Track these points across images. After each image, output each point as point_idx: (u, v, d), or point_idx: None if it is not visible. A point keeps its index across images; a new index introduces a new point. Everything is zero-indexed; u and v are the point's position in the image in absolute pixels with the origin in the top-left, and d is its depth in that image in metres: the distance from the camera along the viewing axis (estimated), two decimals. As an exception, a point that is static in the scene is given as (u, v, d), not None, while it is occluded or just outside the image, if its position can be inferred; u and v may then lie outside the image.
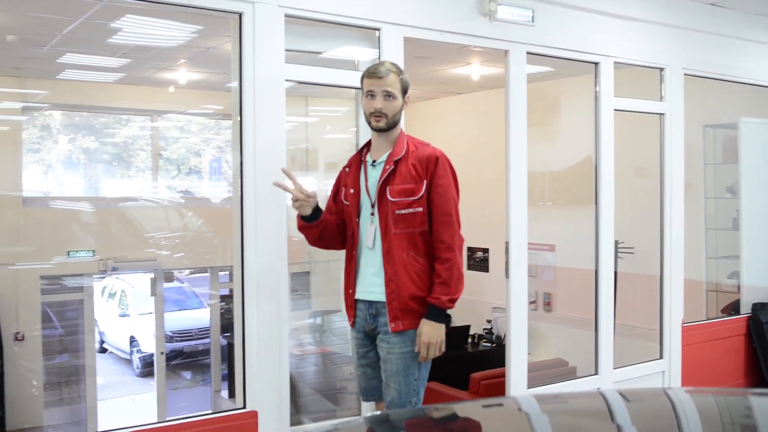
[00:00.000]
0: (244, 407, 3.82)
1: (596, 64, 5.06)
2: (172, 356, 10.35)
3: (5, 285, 6.98)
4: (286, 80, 3.95)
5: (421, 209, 3.20)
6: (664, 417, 2.02)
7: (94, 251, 7.66)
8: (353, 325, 3.37)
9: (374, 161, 3.33)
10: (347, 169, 3.43)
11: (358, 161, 3.41)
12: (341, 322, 6.33)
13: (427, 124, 9.27)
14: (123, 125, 9.95)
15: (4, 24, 5.47)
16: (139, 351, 11.83)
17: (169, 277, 8.49)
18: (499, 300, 7.65)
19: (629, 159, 5.93)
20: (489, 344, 7.83)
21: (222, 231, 7.87)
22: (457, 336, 7.92)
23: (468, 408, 2.32)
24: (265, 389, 3.84)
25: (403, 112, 3.34)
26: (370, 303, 3.28)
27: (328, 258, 6.10)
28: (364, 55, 4.32)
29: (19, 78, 7.32)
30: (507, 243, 4.70)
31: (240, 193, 3.83)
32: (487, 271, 8.55)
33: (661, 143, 5.51)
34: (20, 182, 7.48)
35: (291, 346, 6.91)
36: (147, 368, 11.16)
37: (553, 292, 7.74)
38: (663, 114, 5.47)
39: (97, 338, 12.56)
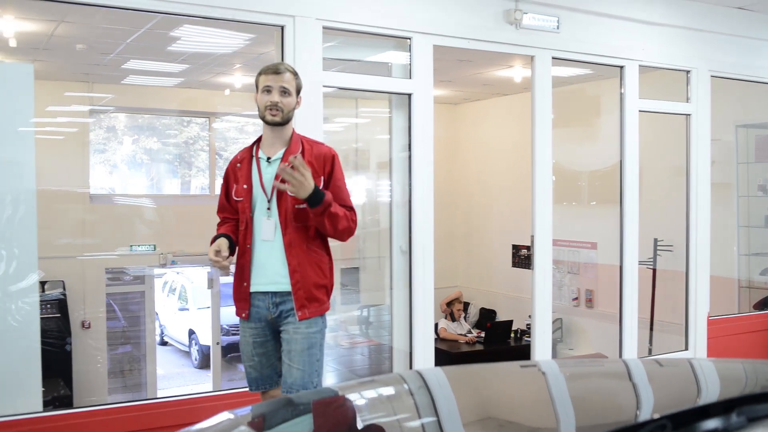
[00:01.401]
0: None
1: (621, 67, 5.41)
2: (228, 349, 10.87)
3: (73, 275, 7.56)
4: (324, 86, 4.44)
5: None
6: (684, 378, 2.23)
7: (154, 245, 8.22)
8: (247, 317, 3.43)
9: (269, 158, 3.42)
10: (238, 165, 3.51)
11: (249, 157, 3.49)
12: (387, 315, 6.77)
13: (473, 125, 9.67)
14: (184, 126, 10.57)
15: (74, 34, 6.07)
16: (197, 344, 12.43)
17: (225, 272, 9.05)
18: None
19: (669, 159, 6.24)
20: (531, 339, 8.16)
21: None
22: (501, 330, 8.31)
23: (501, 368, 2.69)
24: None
25: (295, 112, 3.46)
26: (274, 293, 3.37)
27: (378, 255, 6.57)
28: (398, 60, 4.77)
29: (87, 83, 7.93)
30: (532, 237, 5.09)
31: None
32: (531, 268, 8.88)
33: (687, 143, 5.82)
34: (88, 180, 8.10)
35: (339, 338, 7.41)
36: (205, 360, 11.75)
37: (594, 289, 8.04)
38: (689, 115, 5.78)
39: (159, 331, 13.29)
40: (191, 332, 12.75)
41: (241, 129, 10.92)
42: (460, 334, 8.32)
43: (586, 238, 7.82)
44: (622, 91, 5.45)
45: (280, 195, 3.35)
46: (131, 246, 8.05)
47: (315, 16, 4.35)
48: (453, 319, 8.48)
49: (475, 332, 8.49)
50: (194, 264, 9.29)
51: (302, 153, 3.39)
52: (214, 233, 3.52)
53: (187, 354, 13.00)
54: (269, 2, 4.27)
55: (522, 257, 8.99)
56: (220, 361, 9.15)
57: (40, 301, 6.65)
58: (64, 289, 7.39)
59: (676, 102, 5.82)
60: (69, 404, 6.65)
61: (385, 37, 4.69)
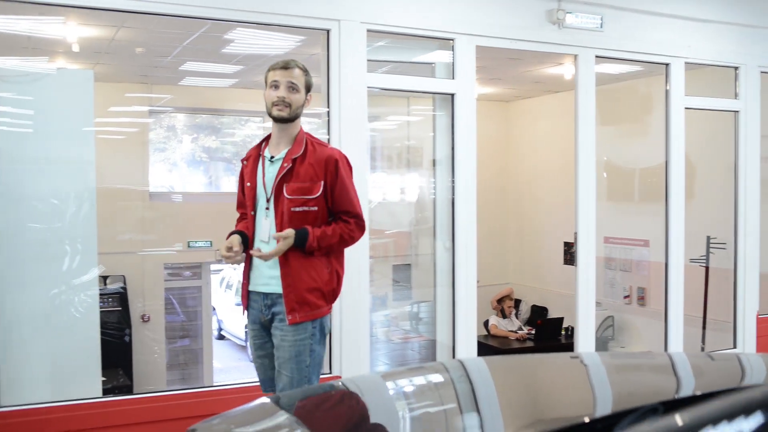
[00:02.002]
0: (330, 372, 4.53)
1: (666, 65, 5.46)
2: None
3: (133, 269, 7.88)
4: (368, 87, 4.63)
5: (316, 208, 3.31)
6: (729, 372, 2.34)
7: (211, 242, 8.51)
8: (247, 316, 3.48)
9: (272, 157, 3.39)
10: (245, 162, 3.51)
11: (256, 155, 3.46)
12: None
13: (525, 122, 9.74)
14: (242, 125, 10.88)
15: (133, 38, 6.38)
16: (253, 338, 12.73)
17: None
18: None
19: (724, 156, 6.25)
20: (574, 335, 8.22)
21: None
22: (551, 328, 8.38)
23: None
24: (348, 356, 4.55)
25: (304, 109, 3.40)
26: (266, 294, 3.36)
27: (431, 252, 6.73)
28: (442, 59, 4.93)
29: (147, 84, 8.26)
30: (575, 234, 5.20)
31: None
32: (575, 264, 8.91)
33: (735, 140, 5.83)
34: (147, 178, 8.44)
35: (390, 333, 7.60)
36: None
37: (647, 287, 8.04)
38: (737, 111, 5.79)
39: (216, 326, 13.65)
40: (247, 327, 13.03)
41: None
42: (511, 331, 8.42)
43: (639, 236, 7.84)
44: (668, 88, 5.51)
45: (279, 195, 3.32)
46: (189, 242, 8.33)
47: (359, 20, 4.54)
48: (504, 316, 8.58)
49: (525, 329, 8.58)
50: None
51: (305, 153, 3.33)
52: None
53: (244, 348, 13.34)
54: (315, 7, 4.48)
55: (574, 255, 9.01)
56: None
57: (102, 294, 7.02)
58: (125, 283, 7.71)
59: (724, 99, 5.84)
60: (129, 393, 6.96)
61: (429, 39, 4.85)
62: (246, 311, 3.47)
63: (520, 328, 8.55)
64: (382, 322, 7.57)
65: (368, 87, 4.63)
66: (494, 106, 9.83)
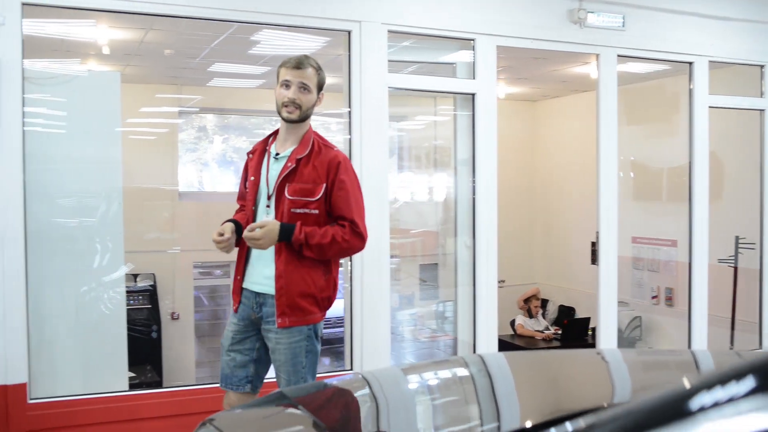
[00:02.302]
0: (351, 369, 4.63)
1: (690, 63, 5.47)
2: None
3: (163, 268, 8.02)
4: (389, 87, 4.72)
5: (316, 211, 3.25)
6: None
7: (240, 241, 8.63)
8: (236, 310, 3.40)
9: (277, 154, 3.34)
10: (250, 155, 3.46)
11: (262, 150, 3.42)
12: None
13: (552, 122, 9.76)
14: (273, 125, 11.02)
15: (162, 41, 6.53)
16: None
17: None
18: (620, 294, 8.03)
19: (753, 155, 6.23)
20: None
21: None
22: (578, 328, 8.39)
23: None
24: (368, 352, 4.65)
25: (315, 109, 3.37)
26: (258, 293, 3.32)
27: (458, 251, 6.80)
28: (463, 59, 5.00)
29: (176, 86, 8.42)
30: (597, 233, 5.24)
31: (348, 185, 4.65)
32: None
33: (761, 138, 5.82)
34: (176, 178, 8.60)
35: (417, 332, 7.68)
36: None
37: (675, 287, 8.02)
38: (763, 110, 5.78)
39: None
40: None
41: (328, 127, 11.30)
42: (537, 331, 8.46)
43: (667, 236, 7.83)
44: (691, 87, 5.52)
45: (280, 194, 3.27)
46: (218, 241, 8.44)
47: (380, 21, 4.63)
48: (530, 316, 8.61)
49: (552, 329, 8.61)
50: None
51: (309, 154, 3.28)
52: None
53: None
54: (337, 9, 4.58)
55: (596, 254, 9.02)
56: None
57: (132, 291, 7.18)
58: (154, 281, 7.87)
59: (748, 97, 5.83)
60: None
61: (449, 39, 4.93)
62: (236, 306, 3.39)
63: (547, 328, 8.57)
64: (409, 321, 7.65)
65: (389, 87, 4.71)
66: (521, 105, 9.87)
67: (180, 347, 8.08)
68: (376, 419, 2.42)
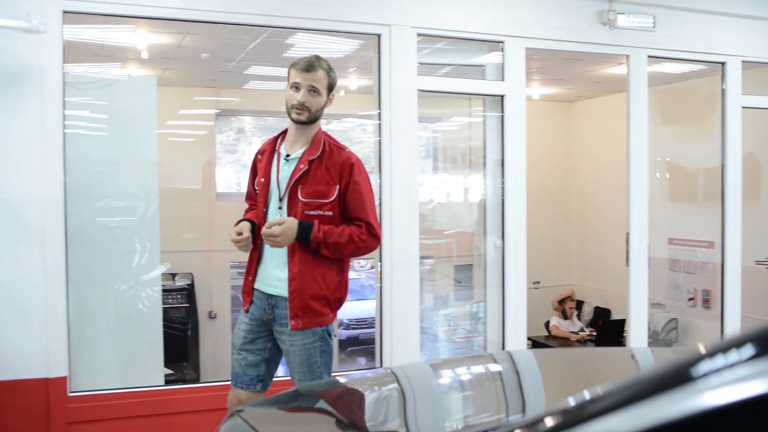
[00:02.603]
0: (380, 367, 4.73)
1: (722, 63, 5.47)
2: (348, 343, 11.41)
3: (200, 268, 8.18)
4: (419, 90, 4.81)
5: (330, 213, 3.27)
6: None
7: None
8: (247, 311, 3.41)
9: (288, 155, 3.35)
10: (260, 156, 3.46)
11: (271, 150, 3.42)
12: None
13: (588, 122, 9.75)
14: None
15: (200, 45, 6.70)
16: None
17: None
18: (656, 295, 8.01)
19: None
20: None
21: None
22: (613, 330, 8.38)
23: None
24: (398, 351, 4.75)
25: (325, 110, 3.37)
26: (270, 295, 3.33)
27: (487, 251, 6.86)
28: (492, 60, 5.07)
29: (214, 88, 8.60)
30: (627, 234, 5.27)
31: (379, 188, 4.76)
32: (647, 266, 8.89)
33: (796, 139, 5.80)
34: (214, 179, 8.77)
35: (452, 332, 7.75)
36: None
37: (712, 289, 7.97)
38: (796, 109, 5.76)
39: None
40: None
41: (365, 129, 11.41)
42: (572, 332, 8.47)
43: (704, 237, 7.79)
44: (724, 87, 5.52)
45: (293, 195, 3.28)
46: (254, 241, 8.58)
47: (409, 24, 4.72)
48: (565, 317, 8.63)
49: (587, 330, 8.61)
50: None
51: (321, 156, 3.30)
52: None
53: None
54: (367, 13, 4.68)
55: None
56: (337, 353, 9.68)
57: (170, 290, 7.36)
58: (192, 280, 8.05)
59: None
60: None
61: (478, 42, 5.00)
62: (248, 306, 3.41)
63: (582, 330, 8.58)
64: (443, 321, 7.72)
65: (419, 90, 4.80)
66: (557, 106, 9.88)
67: (217, 345, 8.22)
68: (402, 411, 2.50)
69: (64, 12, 4.13)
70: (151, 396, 4.36)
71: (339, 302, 3.39)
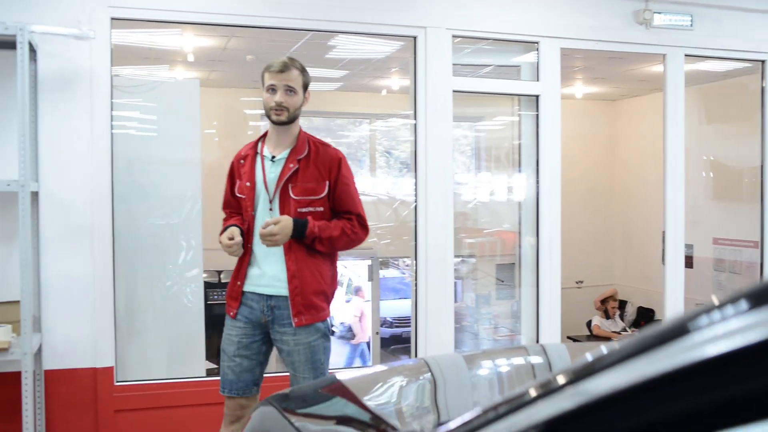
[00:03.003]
0: (415, 362, 4.85)
1: (762, 62, 5.46)
2: (390, 341, 11.55)
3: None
4: (454, 90, 4.91)
5: (321, 209, 3.36)
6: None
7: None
8: (234, 316, 3.41)
9: (274, 156, 3.39)
10: (242, 161, 3.48)
11: (253, 154, 3.45)
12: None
13: (632, 121, 9.73)
14: (356, 127, 11.35)
15: (245, 47, 6.90)
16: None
17: (384, 264, 9.72)
18: (699, 296, 7.97)
19: None
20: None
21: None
22: (656, 330, 8.38)
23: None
24: (432, 348, 4.86)
25: (303, 108, 3.42)
26: (269, 296, 3.35)
27: (523, 251, 6.94)
28: (527, 59, 5.15)
29: (259, 89, 8.80)
30: (663, 233, 5.30)
31: (414, 187, 4.88)
32: (691, 266, 8.85)
33: (841, 137, 5.75)
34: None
35: (494, 331, 7.84)
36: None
37: (757, 290, 7.90)
38: (840, 108, 5.72)
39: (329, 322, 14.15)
40: (357, 322, 13.53)
41: (410, 129, 11.52)
42: (614, 332, 8.48)
43: (749, 237, 7.73)
44: (764, 85, 5.50)
45: (284, 195, 3.34)
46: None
47: (445, 26, 4.83)
48: (607, 317, 8.64)
49: (630, 331, 8.61)
50: (356, 257, 10.01)
51: (309, 154, 3.38)
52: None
53: (344, 338, 13.82)
54: (403, 16, 4.80)
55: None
56: (379, 351, 9.82)
57: (216, 286, 7.57)
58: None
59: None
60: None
61: (513, 42, 5.09)
62: (235, 311, 3.42)
63: (624, 330, 8.59)
64: (485, 320, 7.81)
65: (454, 90, 4.90)
66: (600, 105, 9.88)
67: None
68: (432, 398, 2.60)
69: (112, 19, 4.34)
70: (193, 387, 4.55)
71: (333, 296, 3.46)
